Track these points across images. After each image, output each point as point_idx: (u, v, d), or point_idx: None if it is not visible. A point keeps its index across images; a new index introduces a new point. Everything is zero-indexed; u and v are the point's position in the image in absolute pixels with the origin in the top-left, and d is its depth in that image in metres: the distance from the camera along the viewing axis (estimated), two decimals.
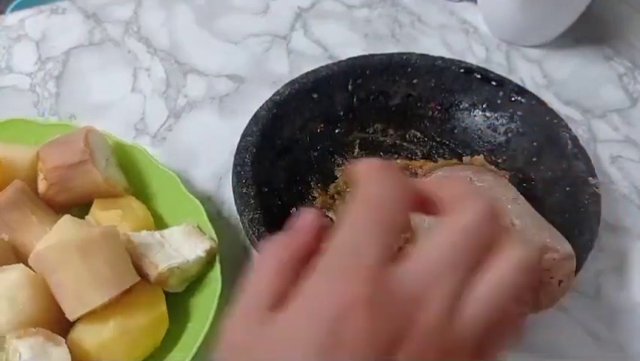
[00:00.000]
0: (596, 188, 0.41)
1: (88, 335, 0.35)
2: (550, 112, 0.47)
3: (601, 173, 0.50)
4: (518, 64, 0.60)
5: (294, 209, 0.43)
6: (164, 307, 0.38)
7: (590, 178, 0.42)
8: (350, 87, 0.50)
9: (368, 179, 0.22)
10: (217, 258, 0.40)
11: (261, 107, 0.46)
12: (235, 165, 0.43)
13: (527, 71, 0.59)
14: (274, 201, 0.43)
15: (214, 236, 0.40)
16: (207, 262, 0.40)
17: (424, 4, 0.66)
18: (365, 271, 0.20)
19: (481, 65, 0.50)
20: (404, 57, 0.50)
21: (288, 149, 0.46)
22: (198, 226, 0.41)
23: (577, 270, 0.37)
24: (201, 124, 0.48)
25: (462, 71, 0.49)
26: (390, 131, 0.50)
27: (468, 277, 0.21)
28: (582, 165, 0.43)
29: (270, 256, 0.23)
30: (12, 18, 0.62)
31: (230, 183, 0.42)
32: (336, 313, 0.20)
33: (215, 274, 0.39)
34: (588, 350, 0.40)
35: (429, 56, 0.50)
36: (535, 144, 0.46)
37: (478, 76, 0.49)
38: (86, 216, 0.41)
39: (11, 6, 0.85)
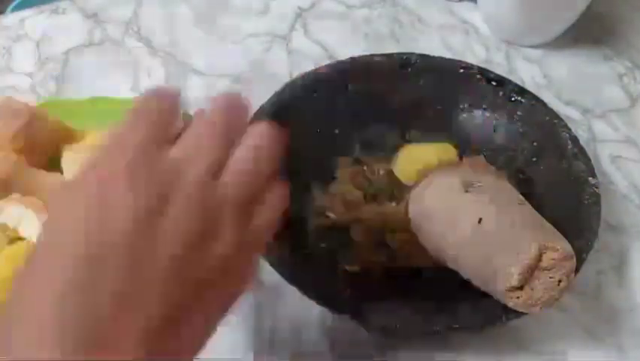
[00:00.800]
0: (596, 188, 0.41)
1: None
2: (550, 112, 0.47)
3: (601, 173, 0.50)
4: (518, 64, 0.60)
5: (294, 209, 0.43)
6: None
7: (590, 178, 0.42)
8: (350, 87, 0.50)
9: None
10: None
11: (261, 107, 0.46)
12: None
13: (527, 71, 0.59)
14: None
15: None
16: None
17: (424, 4, 0.67)
18: (126, 150, 0.24)
19: (481, 64, 0.50)
20: (404, 57, 0.50)
21: (288, 149, 0.46)
22: None
23: (577, 270, 0.37)
24: None
25: (462, 71, 0.49)
26: (390, 132, 0.50)
27: (223, 151, 0.26)
28: (582, 165, 0.43)
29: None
30: (12, 18, 0.62)
31: None
32: (103, 181, 0.24)
33: None
34: (588, 350, 0.40)
35: (429, 56, 0.50)
36: (535, 143, 0.46)
37: (478, 76, 0.49)
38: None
39: (11, 6, 0.85)
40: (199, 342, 0.26)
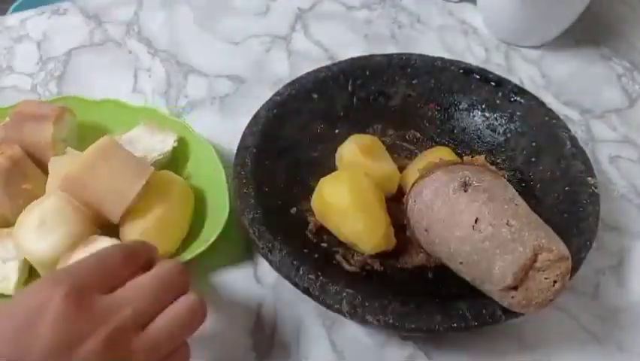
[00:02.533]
0: (595, 188, 0.42)
1: (131, 230, 0.39)
2: (549, 112, 0.47)
3: (599, 173, 0.50)
4: (517, 64, 0.60)
5: (294, 209, 0.44)
6: (192, 198, 0.43)
7: (589, 178, 0.42)
8: (350, 87, 0.50)
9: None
10: (215, 155, 0.44)
11: (261, 108, 0.47)
12: (235, 165, 0.43)
13: (526, 71, 0.59)
14: (274, 201, 0.43)
15: (179, 129, 0.46)
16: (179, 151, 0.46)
17: (423, 4, 0.67)
18: (62, 289, 0.27)
19: (481, 65, 0.51)
20: (404, 58, 0.50)
21: (288, 149, 0.46)
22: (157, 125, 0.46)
23: (576, 269, 0.37)
24: (202, 124, 0.48)
25: (461, 71, 0.49)
26: (390, 132, 0.50)
27: (155, 306, 0.30)
28: (581, 165, 0.43)
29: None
30: (13, 19, 0.62)
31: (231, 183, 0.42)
32: (33, 307, 0.27)
33: (219, 172, 0.44)
34: (587, 350, 0.40)
35: (428, 57, 0.51)
36: (534, 144, 0.46)
37: (477, 76, 0.49)
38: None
39: (13, 6, 0.85)
40: None
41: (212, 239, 0.40)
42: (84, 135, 0.46)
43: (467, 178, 0.37)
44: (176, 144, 0.45)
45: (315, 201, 0.42)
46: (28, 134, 0.43)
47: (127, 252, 0.32)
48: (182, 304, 0.31)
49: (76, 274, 0.29)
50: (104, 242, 0.38)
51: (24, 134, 0.44)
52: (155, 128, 0.46)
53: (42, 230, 0.38)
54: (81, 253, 0.37)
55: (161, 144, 0.45)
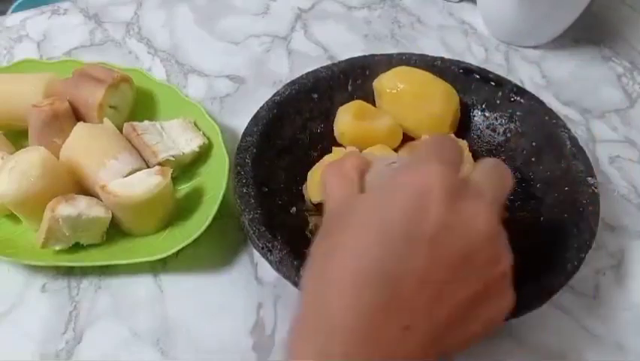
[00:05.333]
0: (595, 188, 0.42)
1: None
2: (549, 112, 0.47)
3: (600, 173, 0.50)
4: (517, 64, 0.60)
5: (294, 209, 0.44)
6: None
7: (589, 178, 0.42)
8: (350, 87, 0.50)
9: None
10: (220, 138, 0.45)
11: (261, 108, 0.47)
12: (235, 165, 0.43)
13: (526, 71, 0.59)
14: (274, 201, 0.43)
15: (216, 127, 0.46)
16: (200, 155, 0.47)
17: (423, 4, 0.67)
18: (437, 168, 0.27)
19: (480, 65, 0.50)
20: (404, 57, 0.50)
21: (288, 149, 0.46)
22: (195, 123, 0.48)
23: (576, 269, 0.37)
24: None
25: (461, 71, 0.49)
26: None
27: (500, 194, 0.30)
28: (581, 165, 0.43)
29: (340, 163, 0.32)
30: (13, 19, 0.62)
31: (231, 183, 0.42)
32: (420, 188, 0.27)
33: (221, 151, 0.45)
34: (587, 350, 0.40)
35: (428, 57, 0.51)
36: (534, 144, 0.46)
37: (477, 76, 0.49)
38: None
39: (13, 6, 0.85)
40: (467, 343, 0.28)
41: (208, 221, 0.41)
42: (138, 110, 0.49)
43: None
44: (198, 149, 0.46)
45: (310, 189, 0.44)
46: (81, 94, 0.46)
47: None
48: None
49: (439, 155, 0.29)
50: (84, 200, 0.40)
51: (78, 92, 0.46)
52: (190, 125, 0.47)
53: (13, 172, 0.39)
54: (62, 206, 0.39)
55: (187, 143, 0.46)
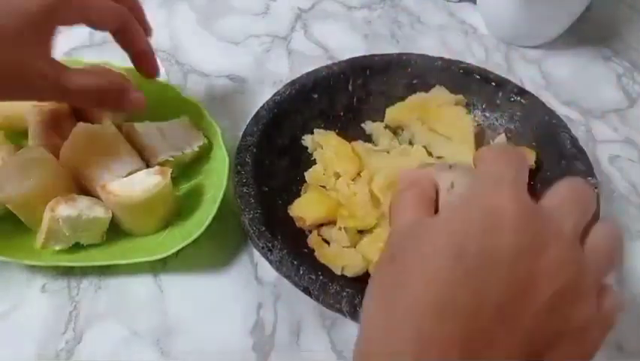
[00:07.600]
0: (595, 188, 0.42)
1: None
2: (550, 112, 0.47)
3: (600, 173, 0.50)
4: (517, 64, 0.60)
5: None
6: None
7: (589, 178, 0.42)
8: (350, 87, 0.50)
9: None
10: (220, 138, 0.45)
11: (261, 108, 0.47)
12: (235, 165, 0.43)
13: (526, 71, 0.59)
14: (274, 201, 0.43)
15: (216, 127, 0.46)
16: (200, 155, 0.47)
17: (423, 4, 0.67)
18: (510, 190, 0.25)
19: (481, 65, 0.50)
20: (404, 57, 0.50)
21: (288, 149, 0.46)
22: (195, 123, 0.47)
23: None
24: None
25: (461, 71, 0.49)
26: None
27: (581, 220, 0.26)
28: (581, 165, 0.43)
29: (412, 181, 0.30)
30: None
31: (231, 183, 0.42)
32: (489, 211, 0.25)
33: (221, 151, 0.45)
34: None
35: (428, 57, 0.51)
36: (534, 144, 0.46)
37: (478, 76, 0.49)
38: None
39: None
40: None
41: (208, 221, 0.41)
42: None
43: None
44: (198, 149, 0.46)
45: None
46: None
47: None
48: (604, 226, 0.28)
49: (508, 172, 0.27)
50: (84, 200, 0.40)
51: None
52: (189, 125, 0.47)
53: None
54: (62, 206, 0.39)
55: (187, 143, 0.46)
